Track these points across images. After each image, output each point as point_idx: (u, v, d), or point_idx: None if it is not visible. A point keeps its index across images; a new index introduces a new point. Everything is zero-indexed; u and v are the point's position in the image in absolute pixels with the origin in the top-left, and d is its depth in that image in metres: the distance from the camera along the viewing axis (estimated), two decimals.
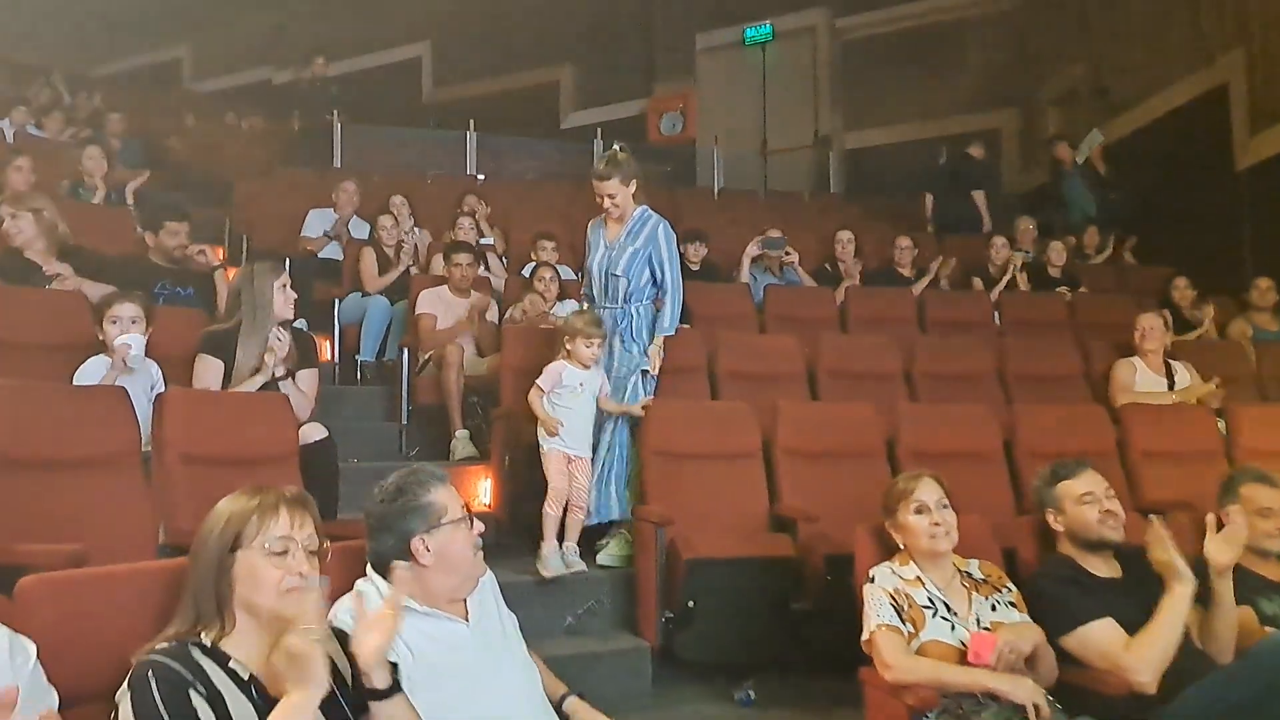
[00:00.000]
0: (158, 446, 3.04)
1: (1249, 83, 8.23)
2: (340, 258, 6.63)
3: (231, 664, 1.75)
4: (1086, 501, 3.04)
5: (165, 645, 1.72)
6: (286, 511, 1.87)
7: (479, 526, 2.28)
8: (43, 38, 12.97)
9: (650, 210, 4.47)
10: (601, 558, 4.22)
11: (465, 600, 2.29)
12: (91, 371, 3.52)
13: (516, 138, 11.37)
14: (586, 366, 4.16)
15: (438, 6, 13.83)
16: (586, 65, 13.61)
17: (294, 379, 3.78)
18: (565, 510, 4.07)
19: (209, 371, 3.62)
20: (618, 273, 4.31)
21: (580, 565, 4.01)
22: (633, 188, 4.32)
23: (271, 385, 3.68)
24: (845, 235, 7.43)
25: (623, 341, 4.39)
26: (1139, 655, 2.68)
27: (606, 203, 4.26)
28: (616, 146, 4.22)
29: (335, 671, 1.82)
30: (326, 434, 3.61)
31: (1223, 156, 8.34)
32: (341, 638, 1.94)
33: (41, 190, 5.17)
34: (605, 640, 3.84)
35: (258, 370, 3.65)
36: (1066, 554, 3.06)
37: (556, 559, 3.97)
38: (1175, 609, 2.69)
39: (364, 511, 2.28)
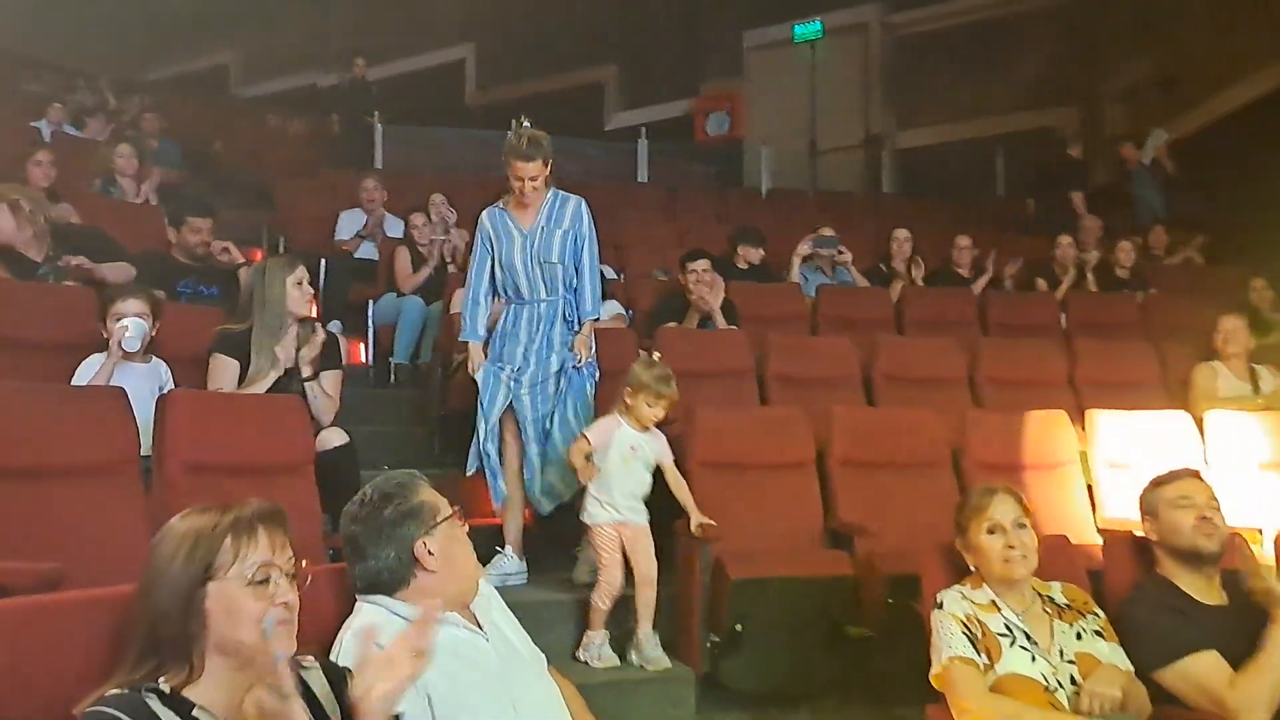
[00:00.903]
0: (159, 453, 2.80)
1: None
2: (376, 258, 6.46)
3: (196, 712, 1.49)
4: (1182, 505, 2.74)
5: (116, 693, 1.46)
6: (265, 533, 1.61)
7: (465, 526, 2.16)
8: (93, 44, 13.04)
9: (559, 189, 4.04)
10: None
11: (472, 610, 2.13)
12: (90, 369, 3.32)
13: (559, 137, 11.16)
14: (645, 428, 3.59)
15: (481, 8, 13.74)
16: (631, 65, 13.45)
17: (318, 380, 3.55)
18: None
19: (224, 372, 3.41)
20: (553, 259, 3.87)
21: (664, 661, 3.42)
22: (549, 169, 3.88)
23: (296, 386, 3.45)
24: (902, 234, 7.14)
25: (568, 332, 3.98)
26: (1246, 693, 2.39)
27: (527, 186, 3.79)
28: (527, 124, 3.75)
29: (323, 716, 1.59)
30: (347, 439, 3.37)
31: None
32: (333, 673, 1.70)
33: (73, 187, 5.03)
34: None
35: (273, 369, 3.42)
36: (1165, 575, 2.74)
37: (608, 650, 3.46)
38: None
39: (343, 534, 2.08)
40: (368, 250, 6.61)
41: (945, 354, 5.28)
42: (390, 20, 13.92)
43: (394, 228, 6.72)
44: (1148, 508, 2.82)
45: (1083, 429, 4.39)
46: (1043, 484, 3.95)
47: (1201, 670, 2.46)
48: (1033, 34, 11.30)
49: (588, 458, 3.47)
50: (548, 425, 3.89)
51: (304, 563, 1.66)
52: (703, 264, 5.54)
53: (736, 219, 7.48)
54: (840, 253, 6.64)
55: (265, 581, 1.58)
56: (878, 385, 5.12)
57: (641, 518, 3.54)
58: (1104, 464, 4.22)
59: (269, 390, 3.41)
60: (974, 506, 2.69)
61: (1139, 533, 2.87)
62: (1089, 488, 4.17)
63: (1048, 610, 2.63)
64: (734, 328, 5.46)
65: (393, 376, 5.67)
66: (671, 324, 5.47)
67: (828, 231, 6.76)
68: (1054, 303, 6.61)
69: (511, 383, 3.85)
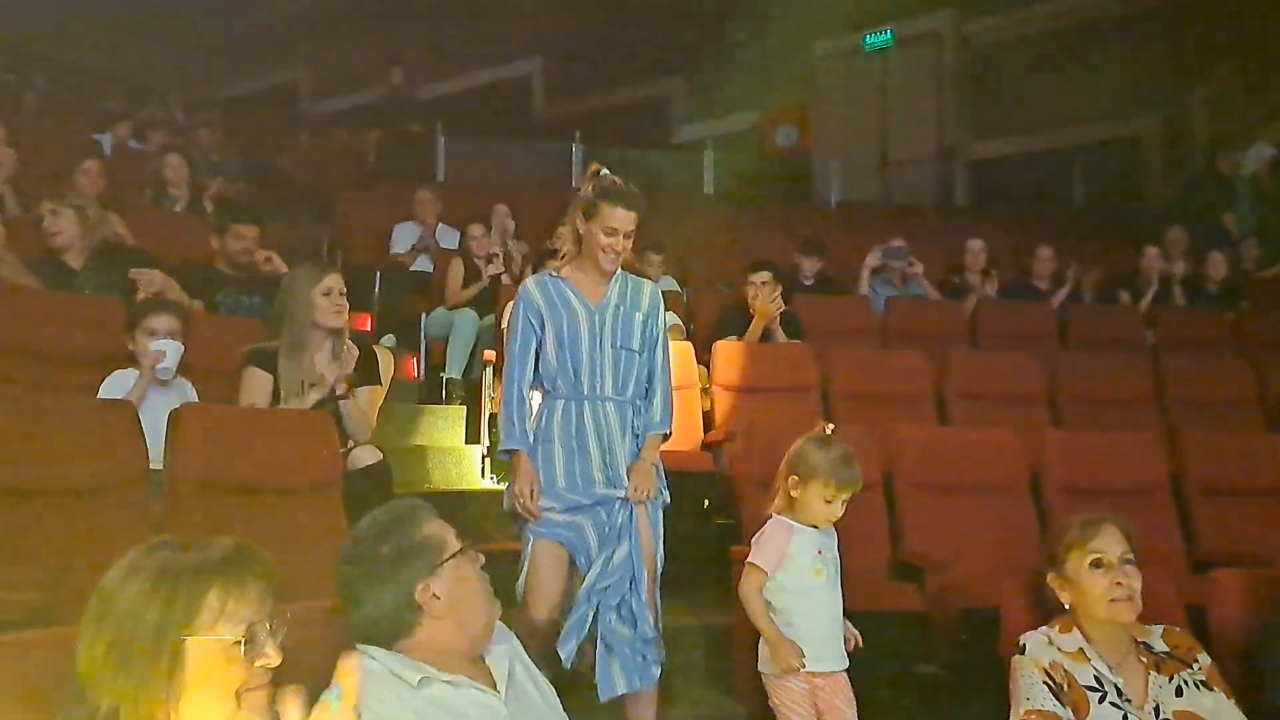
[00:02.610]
0: (169, 472, 2.64)
1: None
2: (431, 270, 6.35)
3: None
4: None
5: None
6: (255, 586, 1.41)
7: (480, 558, 1.89)
8: (171, 62, 13.29)
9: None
10: None
11: (486, 662, 1.87)
12: (117, 385, 3.20)
13: (624, 149, 11.07)
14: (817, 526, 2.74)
15: (549, 23, 13.70)
16: (699, 77, 13.27)
17: (354, 395, 3.38)
18: None
19: (257, 386, 3.26)
20: (634, 346, 2.98)
21: None
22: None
23: (330, 403, 3.30)
24: (976, 245, 6.91)
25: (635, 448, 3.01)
26: None
27: (618, 244, 2.90)
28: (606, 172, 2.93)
29: None
30: (380, 458, 3.19)
31: None
32: None
33: (125, 198, 5.00)
34: (693, 704, 3.35)
35: (312, 386, 3.27)
36: None
37: None
38: None
39: (337, 577, 1.82)
40: (424, 263, 6.50)
41: (1022, 369, 4.99)
42: (459, 36, 13.96)
43: (449, 239, 6.61)
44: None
45: (1173, 451, 4.07)
46: (1130, 511, 3.61)
47: None
48: (1113, 40, 10.90)
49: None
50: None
51: (287, 613, 1.46)
52: (764, 275, 5.34)
53: (803, 231, 7.25)
54: (911, 264, 6.41)
55: (251, 642, 1.38)
56: (950, 403, 4.85)
57: (842, 660, 2.72)
58: (1198, 490, 3.89)
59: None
60: (1075, 536, 2.42)
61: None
62: (1181, 516, 3.85)
63: (1143, 660, 2.36)
64: (796, 341, 5.25)
65: (444, 392, 5.53)
66: (732, 337, 5.28)
67: (897, 242, 6.57)
68: (1138, 317, 6.26)
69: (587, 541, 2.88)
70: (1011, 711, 2.31)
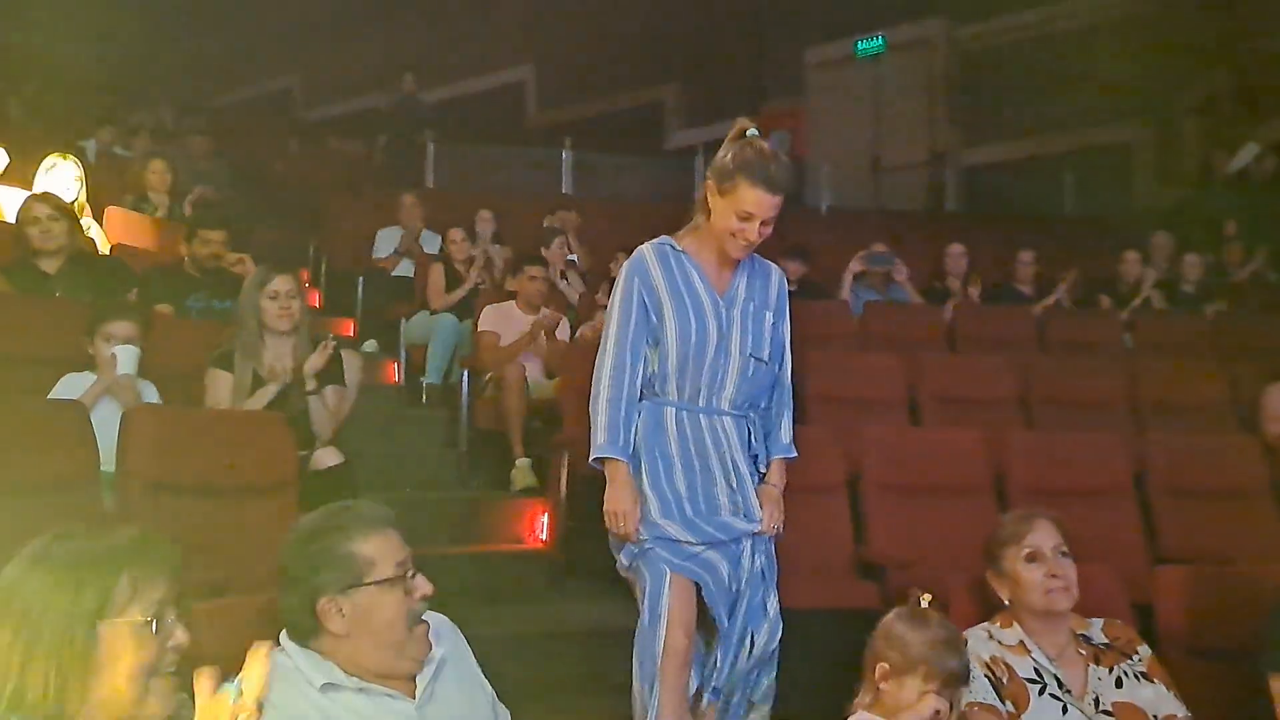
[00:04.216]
0: (121, 472, 2.68)
1: None
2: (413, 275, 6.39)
3: None
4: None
5: None
6: (163, 569, 1.43)
7: (423, 588, 1.76)
8: (160, 69, 13.33)
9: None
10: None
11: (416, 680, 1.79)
12: (69, 388, 3.22)
13: (615, 156, 11.12)
14: None
15: (542, 29, 13.77)
16: (692, 84, 13.34)
17: (322, 395, 3.43)
18: None
19: (220, 386, 3.32)
20: (764, 355, 2.53)
21: None
22: None
23: (300, 399, 3.34)
24: (956, 249, 6.96)
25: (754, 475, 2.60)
26: None
27: (751, 233, 2.43)
28: (754, 130, 2.46)
29: None
30: (343, 459, 3.23)
31: None
32: None
33: (106, 203, 5.04)
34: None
35: (268, 383, 3.32)
36: None
37: None
38: None
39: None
40: (406, 268, 6.54)
41: (996, 373, 5.01)
42: (453, 42, 14.03)
43: (433, 244, 6.65)
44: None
45: (1138, 452, 4.10)
46: (1094, 512, 3.67)
47: None
48: (1103, 47, 10.95)
49: None
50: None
51: (188, 597, 1.49)
52: None
53: (794, 237, 7.29)
54: (895, 269, 6.44)
55: (160, 622, 1.40)
56: (924, 405, 4.87)
57: None
58: (1162, 490, 3.92)
59: (270, 406, 3.31)
60: (1010, 533, 2.46)
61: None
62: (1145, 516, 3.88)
63: (1083, 652, 2.39)
64: None
65: (424, 396, 5.56)
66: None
67: (880, 247, 6.61)
68: (1116, 320, 6.29)
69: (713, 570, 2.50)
70: None
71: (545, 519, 4.29)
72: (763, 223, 2.42)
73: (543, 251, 6.12)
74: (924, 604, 2.31)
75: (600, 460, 2.48)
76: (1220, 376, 5.23)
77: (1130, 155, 10.91)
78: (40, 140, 5.68)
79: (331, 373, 3.51)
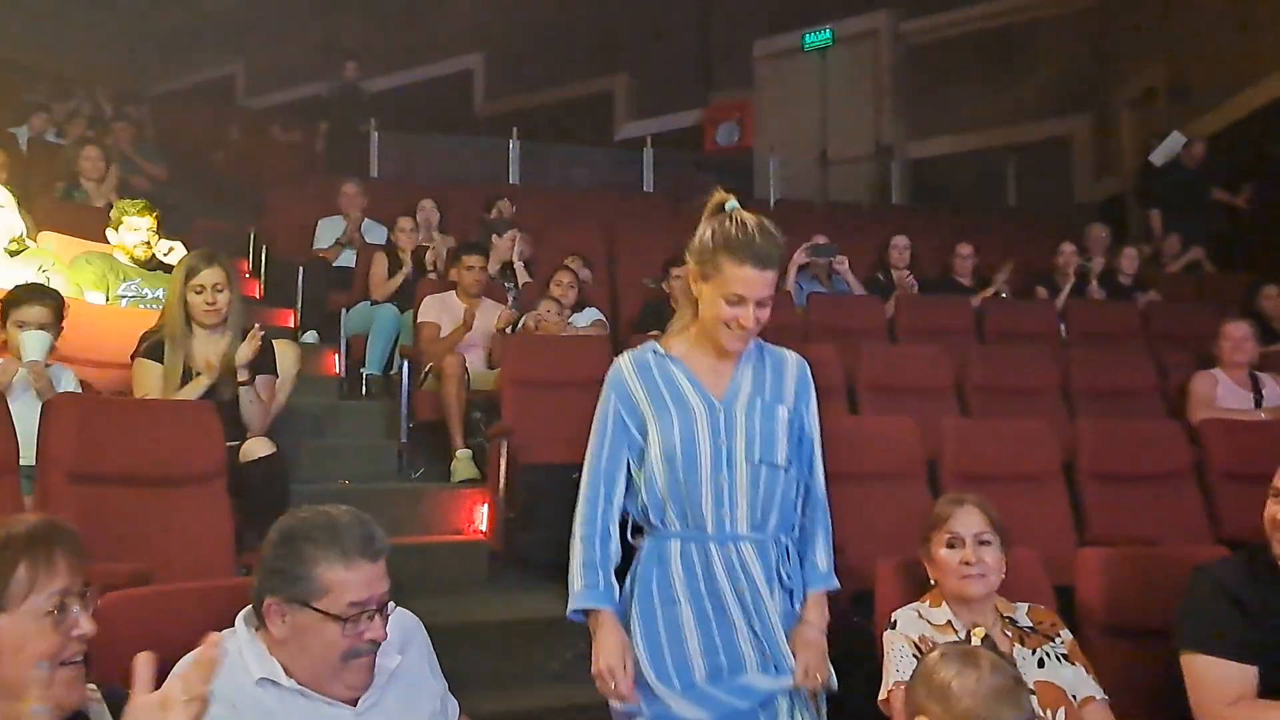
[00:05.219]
0: (41, 463, 2.64)
1: None
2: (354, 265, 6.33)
3: None
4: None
5: None
6: (62, 557, 1.41)
7: (375, 633, 1.70)
8: (99, 56, 13.07)
9: None
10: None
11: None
12: None
13: (564, 146, 11.10)
14: None
15: (490, 18, 13.68)
16: (642, 74, 13.33)
17: (253, 385, 3.39)
18: None
19: (148, 377, 3.27)
20: (777, 460, 2.16)
21: None
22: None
23: (230, 389, 3.30)
24: (901, 241, 7.04)
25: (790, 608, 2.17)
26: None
27: (746, 318, 2.09)
28: (734, 203, 2.16)
29: None
30: (274, 450, 3.20)
31: None
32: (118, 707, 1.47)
33: (39, 192, 4.94)
34: (570, 693, 3.34)
35: (199, 374, 3.28)
36: (1272, 564, 2.31)
37: None
38: None
39: None
40: (347, 259, 6.47)
41: (933, 362, 5.08)
42: (399, 30, 13.89)
43: (376, 234, 6.58)
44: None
45: (1068, 438, 4.18)
46: (1024, 497, 3.74)
47: (1214, 676, 2.21)
48: (1045, 42, 11.13)
49: None
50: None
51: (93, 586, 1.48)
52: (685, 268, 5.38)
53: None
54: (838, 261, 6.50)
55: (62, 612, 1.39)
56: (862, 395, 4.93)
57: None
58: (1090, 475, 4.01)
59: (199, 396, 3.26)
60: (937, 517, 2.55)
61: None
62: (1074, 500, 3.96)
63: (1008, 633, 2.47)
64: None
65: (365, 387, 5.51)
66: (654, 332, 5.33)
67: (822, 239, 6.67)
68: (1053, 311, 6.41)
69: None
70: (882, 685, 2.39)
71: (485, 510, 4.28)
72: (758, 304, 2.08)
73: (494, 240, 6.10)
74: (976, 641, 2.19)
75: (582, 612, 2.09)
76: (1149, 365, 5.36)
77: (1070, 149, 11.10)
78: None
79: (263, 363, 3.47)
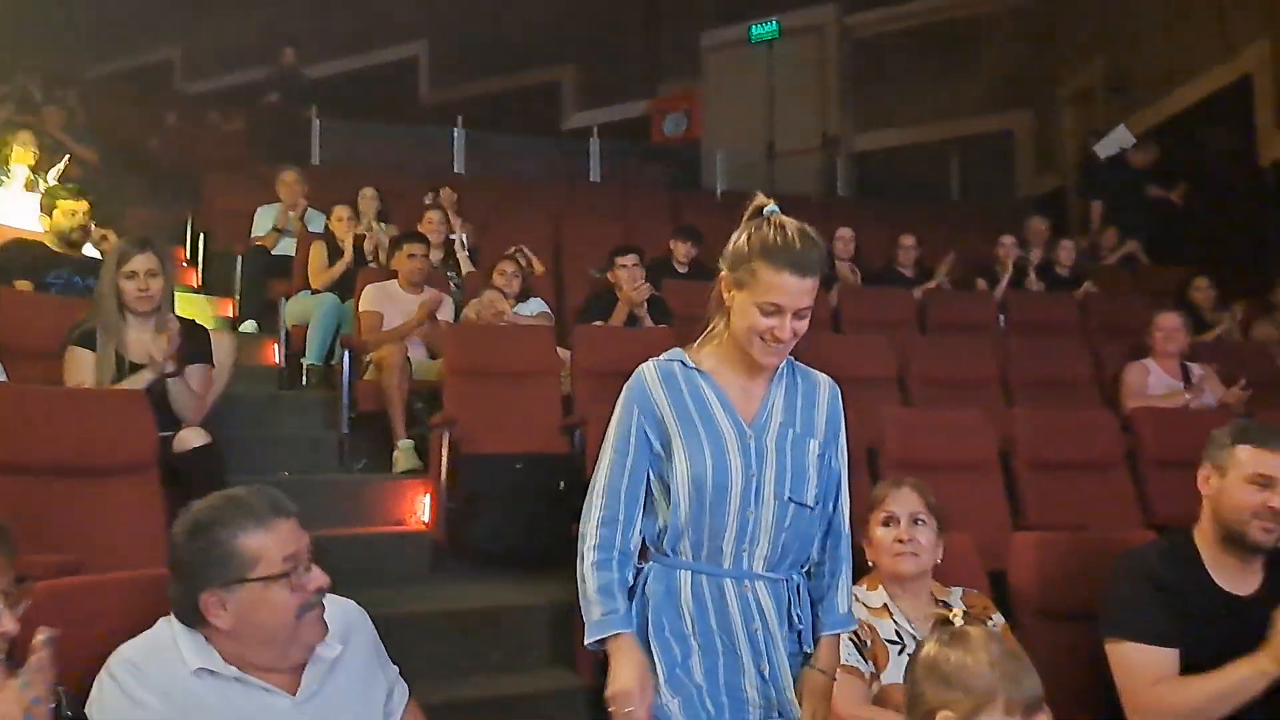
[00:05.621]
0: None
1: (1275, 74, 7.77)
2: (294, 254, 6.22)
3: None
4: (1258, 484, 2.27)
5: None
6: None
7: (318, 580, 1.71)
8: (31, 38, 12.70)
9: None
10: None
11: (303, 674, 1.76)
12: None
13: (510, 136, 11.02)
14: None
15: (436, 4, 13.53)
16: (589, 65, 13.28)
17: (184, 375, 3.31)
18: None
19: (81, 365, 3.19)
20: (807, 499, 1.97)
21: None
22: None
23: (158, 381, 3.23)
24: (846, 233, 7.12)
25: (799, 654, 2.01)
26: (1162, 700, 2.21)
27: (782, 330, 1.91)
28: (774, 207, 1.99)
29: None
30: (209, 440, 3.13)
31: (1246, 151, 7.91)
32: None
33: None
34: (540, 678, 3.38)
35: (143, 367, 3.20)
36: (1194, 544, 2.37)
37: None
38: (1243, 674, 2.12)
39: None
40: (287, 247, 6.34)
41: (875, 353, 5.15)
42: (342, 16, 13.66)
43: (317, 223, 6.48)
44: (1217, 460, 2.36)
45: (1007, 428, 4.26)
46: (962, 484, 3.80)
47: (1140, 661, 2.25)
48: (989, 37, 11.27)
49: None
50: None
51: (28, 584, 1.44)
52: (631, 258, 5.40)
53: (688, 221, 7.32)
54: None
55: None
56: None
57: None
58: (1026, 463, 4.08)
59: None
60: (876, 498, 2.61)
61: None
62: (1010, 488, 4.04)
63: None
64: (663, 326, 5.31)
65: (305, 377, 5.43)
66: (597, 322, 5.33)
67: None
68: (993, 302, 6.51)
69: None
70: None
71: (427, 500, 4.25)
72: (795, 315, 1.90)
73: (419, 226, 6.05)
74: (958, 622, 2.15)
75: (600, 641, 1.91)
76: (1086, 355, 5.46)
77: (1013, 143, 11.26)
78: None
79: (197, 352, 3.40)
